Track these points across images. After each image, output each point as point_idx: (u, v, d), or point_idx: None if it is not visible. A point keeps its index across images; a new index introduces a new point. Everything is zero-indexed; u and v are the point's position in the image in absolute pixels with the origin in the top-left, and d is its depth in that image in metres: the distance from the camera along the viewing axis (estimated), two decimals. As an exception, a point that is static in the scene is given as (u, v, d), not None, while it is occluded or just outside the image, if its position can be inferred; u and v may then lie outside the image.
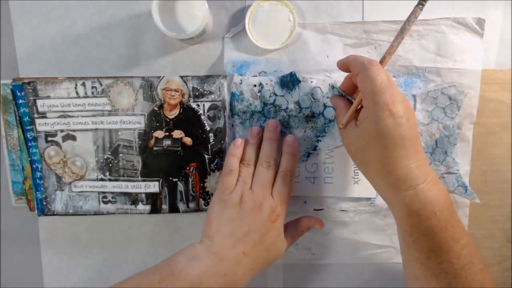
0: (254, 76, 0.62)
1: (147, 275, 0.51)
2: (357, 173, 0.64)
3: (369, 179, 0.52)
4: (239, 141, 0.59)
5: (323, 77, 0.62)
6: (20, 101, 0.60)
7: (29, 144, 0.62)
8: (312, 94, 0.62)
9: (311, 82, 0.61)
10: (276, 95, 0.62)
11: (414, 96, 0.62)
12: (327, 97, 0.61)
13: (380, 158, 0.47)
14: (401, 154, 0.46)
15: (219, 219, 0.54)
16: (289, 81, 0.61)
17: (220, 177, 0.58)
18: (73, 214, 0.64)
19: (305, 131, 0.63)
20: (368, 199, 0.64)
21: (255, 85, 0.62)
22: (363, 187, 0.64)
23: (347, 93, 0.58)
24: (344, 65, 0.54)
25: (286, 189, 0.57)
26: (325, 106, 0.62)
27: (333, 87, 0.61)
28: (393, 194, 0.48)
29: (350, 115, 0.53)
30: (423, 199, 0.46)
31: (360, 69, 0.49)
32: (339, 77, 0.61)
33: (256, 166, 0.58)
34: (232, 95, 0.62)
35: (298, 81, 0.61)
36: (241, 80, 0.61)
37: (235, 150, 0.58)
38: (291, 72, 0.61)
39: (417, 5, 0.50)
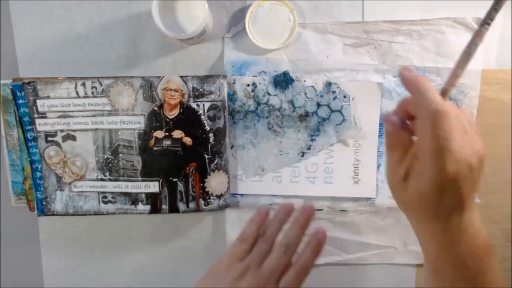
0: (254, 76, 0.62)
1: None
2: (357, 173, 0.64)
3: (410, 221, 0.47)
4: (264, 211, 0.54)
5: (323, 77, 0.62)
6: (20, 101, 0.60)
7: (29, 144, 0.62)
8: (306, 93, 0.62)
9: (305, 81, 0.61)
10: (269, 94, 0.62)
11: (413, 96, 0.62)
12: (321, 96, 0.61)
13: (431, 212, 0.43)
14: (457, 210, 0.43)
15: (215, 280, 0.51)
16: (283, 80, 0.61)
17: (234, 241, 0.53)
18: (73, 214, 0.64)
19: (299, 130, 0.63)
20: (368, 199, 0.64)
21: (248, 85, 0.62)
22: (363, 187, 0.64)
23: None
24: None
25: (297, 284, 0.51)
26: (318, 105, 0.62)
27: (329, 83, 0.61)
28: (430, 239, 0.46)
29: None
30: (461, 249, 0.44)
31: (421, 113, 0.42)
32: (339, 77, 0.61)
33: (274, 246, 0.52)
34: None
35: (292, 80, 0.61)
36: (234, 80, 0.61)
37: (257, 217, 0.54)
38: (284, 71, 0.61)
39: (482, 25, 0.42)
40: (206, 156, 0.62)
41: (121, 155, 0.62)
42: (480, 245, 0.44)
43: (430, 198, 0.42)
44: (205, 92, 0.60)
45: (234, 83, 0.61)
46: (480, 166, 0.42)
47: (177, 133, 0.61)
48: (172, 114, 0.61)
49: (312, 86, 0.61)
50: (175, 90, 0.60)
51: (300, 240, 0.54)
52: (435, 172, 0.41)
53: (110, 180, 0.63)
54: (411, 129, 0.45)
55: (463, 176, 0.41)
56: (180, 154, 0.62)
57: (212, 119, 0.61)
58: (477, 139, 0.42)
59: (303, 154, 0.63)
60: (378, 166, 0.64)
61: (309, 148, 0.63)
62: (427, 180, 0.41)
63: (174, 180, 0.63)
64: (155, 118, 0.61)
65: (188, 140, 0.62)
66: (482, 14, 0.59)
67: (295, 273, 0.51)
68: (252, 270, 0.50)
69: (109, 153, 0.62)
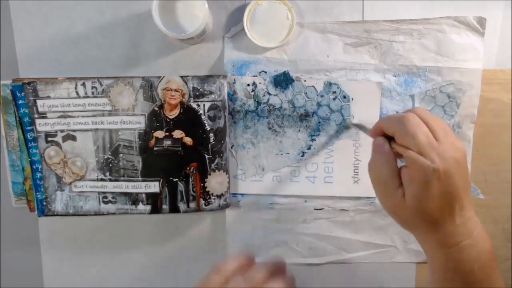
0: (254, 76, 0.62)
1: None
2: (357, 172, 0.64)
3: (411, 232, 0.48)
4: (252, 258, 0.52)
5: (323, 76, 0.62)
6: (20, 101, 0.60)
7: (29, 145, 0.62)
8: (306, 93, 0.62)
9: (305, 81, 0.61)
10: (269, 94, 0.62)
11: (412, 96, 0.62)
12: (321, 96, 0.62)
13: (427, 221, 0.44)
14: (448, 213, 0.44)
15: None
16: (283, 80, 0.61)
17: (209, 270, 0.50)
18: (73, 215, 0.64)
19: (299, 130, 0.63)
20: (369, 198, 0.64)
21: (248, 85, 0.62)
22: (363, 186, 0.64)
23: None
24: (378, 130, 0.49)
25: None
26: (318, 105, 0.62)
27: (330, 84, 0.61)
28: (433, 249, 0.46)
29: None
30: (465, 256, 0.44)
31: (397, 128, 0.45)
32: (339, 77, 0.61)
33: None
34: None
35: (292, 80, 0.61)
36: (234, 80, 0.61)
37: (242, 260, 0.51)
38: (284, 71, 0.61)
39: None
40: (206, 156, 0.62)
41: (121, 155, 0.62)
42: (486, 249, 0.45)
43: (429, 202, 0.43)
44: (206, 92, 0.60)
45: (234, 82, 0.61)
46: (465, 162, 0.45)
47: (178, 133, 0.61)
48: (173, 114, 0.61)
49: (313, 86, 0.61)
50: (176, 90, 0.60)
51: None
52: (427, 175, 0.42)
53: (110, 180, 0.63)
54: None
55: (453, 171, 0.42)
56: (181, 154, 0.62)
57: (212, 119, 0.61)
58: (457, 139, 0.45)
59: (303, 154, 0.63)
60: (378, 166, 0.64)
61: (309, 148, 0.63)
62: (421, 186, 0.43)
63: (174, 180, 0.63)
64: (156, 118, 0.61)
65: (188, 140, 0.62)
66: (482, 14, 0.60)
67: None
68: None
69: (110, 153, 0.62)
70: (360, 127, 0.58)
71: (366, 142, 0.63)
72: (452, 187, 0.42)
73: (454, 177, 0.42)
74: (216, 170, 0.63)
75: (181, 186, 0.63)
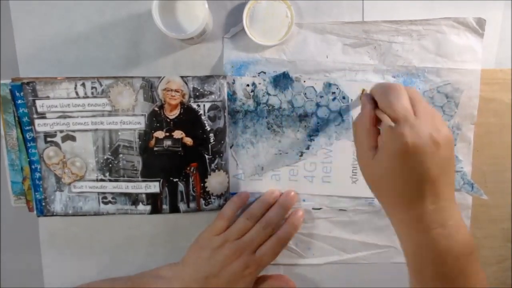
0: (253, 76, 0.62)
1: (120, 281, 0.59)
2: (356, 172, 0.64)
3: (385, 211, 0.48)
4: (244, 194, 0.63)
5: (322, 77, 0.62)
6: (19, 101, 0.60)
7: (28, 145, 0.61)
8: (305, 93, 0.62)
9: (304, 81, 0.61)
10: (269, 94, 0.62)
11: (410, 97, 0.62)
12: (321, 97, 0.62)
13: (395, 194, 0.44)
14: (417, 194, 0.43)
15: (200, 252, 0.59)
16: (282, 81, 0.61)
17: (215, 218, 0.62)
18: (72, 215, 0.63)
19: (298, 130, 0.63)
20: (367, 198, 0.64)
21: (248, 85, 0.62)
22: (361, 186, 0.64)
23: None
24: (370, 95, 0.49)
25: (272, 254, 0.60)
26: (318, 105, 0.62)
27: (329, 84, 0.61)
28: (405, 233, 0.45)
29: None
30: (435, 246, 0.43)
31: (380, 94, 0.46)
32: (338, 77, 0.61)
33: (257, 222, 0.61)
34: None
35: (291, 81, 0.61)
36: (233, 80, 0.61)
37: (236, 199, 0.62)
38: (284, 72, 0.61)
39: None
40: (206, 156, 0.62)
41: (121, 155, 0.62)
42: (462, 241, 0.43)
43: (396, 173, 0.42)
44: (206, 92, 0.60)
45: (233, 83, 0.61)
46: (449, 150, 0.43)
47: (178, 134, 0.61)
48: (173, 114, 0.61)
49: (312, 87, 0.61)
50: (176, 91, 0.60)
51: (281, 219, 0.62)
52: (396, 144, 0.42)
53: (110, 180, 0.63)
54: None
55: (426, 152, 0.41)
56: (181, 154, 0.62)
57: (212, 119, 0.61)
58: (445, 125, 0.44)
59: (301, 154, 0.63)
60: (378, 166, 0.64)
61: (308, 148, 0.63)
62: (389, 153, 0.42)
63: (174, 180, 0.63)
64: (156, 119, 0.61)
65: (188, 140, 0.62)
66: (482, 14, 0.60)
67: (272, 243, 0.59)
68: (230, 242, 0.58)
69: (109, 153, 0.62)
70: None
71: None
72: (422, 167, 0.41)
73: (426, 157, 0.41)
74: (216, 170, 0.63)
75: (181, 186, 0.63)
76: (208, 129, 0.61)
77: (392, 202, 0.45)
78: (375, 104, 0.47)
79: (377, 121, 0.47)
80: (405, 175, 0.42)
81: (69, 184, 0.63)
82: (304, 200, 0.65)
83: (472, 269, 0.44)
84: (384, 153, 0.43)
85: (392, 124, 0.42)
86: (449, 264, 0.43)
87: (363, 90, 0.60)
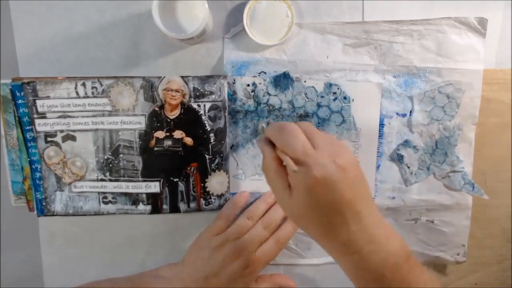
0: (254, 76, 0.62)
1: (120, 281, 0.58)
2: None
3: (317, 243, 0.47)
4: (244, 194, 0.64)
5: (322, 77, 0.62)
6: (20, 101, 0.60)
7: (29, 145, 0.61)
8: (306, 93, 0.62)
9: (305, 81, 0.61)
10: (269, 94, 0.62)
11: (411, 97, 0.62)
12: (322, 97, 0.62)
13: (319, 226, 0.44)
14: (339, 220, 0.43)
15: (200, 252, 0.59)
16: (283, 81, 0.61)
17: (215, 217, 0.62)
18: (73, 215, 0.64)
19: None
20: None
21: (248, 85, 0.62)
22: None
23: None
24: (265, 137, 0.49)
25: (271, 254, 0.60)
26: (318, 105, 0.62)
27: (330, 84, 0.61)
28: (337, 256, 0.46)
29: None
30: (370, 263, 0.43)
31: (276, 136, 0.46)
32: (339, 78, 0.61)
33: (257, 222, 0.61)
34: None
35: (292, 81, 0.61)
36: (234, 80, 0.61)
37: (236, 199, 0.63)
38: (284, 72, 0.61)
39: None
40: (207, 156, 0.62)
41: (121, 155, 0.62)
42: (393, 250, 0.44)
43: (315, 207, 0.43)
44: (206, 92, 0.60)
45: (234, 83, 0.61)
46: (356, 169, 0.44)
47: (178, 134, 0.61)
48: (173, 114, 0.61)
49: (313, 87, 0.61)
50: (176, 91, 0.60)
51: (281, 219, 0.62)
52: (305, 182, 0.42)
53: (110, 180, 0.63)
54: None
55: (335, 179, 0.41)
56: (181, 154, 0.62)
57: (212, 119, 0.61)
58: (344, 148, 0.44)
59: (302, 153, 0.63)
60: (378, 167, 0.64)
61: (308, 148, 0.63)
62: (302, 191, 0.43)
63: (175, 180, 0.63)
64: (156, 119, 0.61)
65: (189, 140, 0.62)
66: (482, 14, 0.60)
67: (272, 243, 0.60)
68: (230, 241, 0.58)
69: (110, 153, 0.62)
70: (262, 131, 0.58)
71: (366, 143, 0.63)
72: (337, 194, 0.42)
73: (337, 184, 0.41)
74: (217, 170, 0.63)
75: (181, 186, 0.63)
76: (209, 129, 0.61)
77: (320, 233, 0.45)
78: (273, 146, 0.47)
79: (281, 161, 0.46)
80: (323, 207, 0.42)
81: (70, 184, 0.63)
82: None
83: (415, 273, 0.45)
84: (298, 192, 0.43)
85: (295, 168, 0.42)
86: (388, 277, 0.43)
87: (260, 123, 0.60)
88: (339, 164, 0.42)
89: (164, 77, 0.60)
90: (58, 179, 0.63)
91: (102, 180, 0.63)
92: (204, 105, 0.61)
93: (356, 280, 0.46)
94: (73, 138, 0.62)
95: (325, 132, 0.62)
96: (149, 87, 0.60)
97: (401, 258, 0.44)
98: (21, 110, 0.60)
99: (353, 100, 0.62)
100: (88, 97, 0.60)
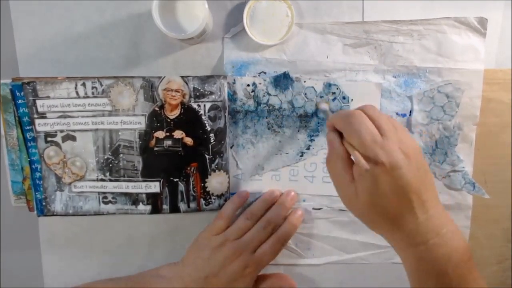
0: (253, 76, 0.62)
1: (121, 281, 0.59)
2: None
3: (381, 235, 0.47)
4: (244, 193, 0.63)
5: (322, 77, 0.62)
6: (20, 101, 0.60)
7: (28, 144, 0.61)
8: (306, 93, 0.62)
9: (304, 81, 0.61)
10: (269, 94, 0.62)
11: (410, 97, 0.62)
12: (321, 97, 0.62)
13: (386, 217, 0.44)
14: (406, 209, 0.43)
15: (199, 251, 0.59)
16: (283, 81, 0.61)
17: (215, 217, 0.62)
18: (73, 215, 0.64)
19: (298, 130, 0.63)
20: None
21: (248, 85, 0.62)
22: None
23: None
24: (331, 126, 0.49)
25: (271, 253, 0.60)
26: (318, 105, 0.62)
27: (329, 85, 0.61)
28: (401, 248, 0.45)
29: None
30: (434, 256, 0.43)
31: (343, 124, 0.46)
32: (338, 78, 0.61)
33: (257, 222, 0.61)
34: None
35: (292, 81, 0.61)
36: (234, 80, 0.61)
37: (236, 198, 0.63)
38: (284, 72, 0.61)
39: None
40: (207, 156, 0.62)
41: (121, 155, 0.62)
42: (459, 248, 0.43)
43: (383, 196, 0.43)
44: (206, 92, 0.60)
45: (234, 83, 0.61)
46: (419, 157, 0.44)
47: (178, 134, 0.61)
48: (173, 114, 0.61)
49: (312, 87, 0.61)
50: (176, 91, 0.60)
51: (281, 219, 0.62)
52: (371, 166, 0.42)
53: (110, 180, 0.63)
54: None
55: (402, 166, 0.42)
56: (181, 155, 0.62)
57: (212, 119, 0.61)
58: (408, 135, 0.45)
59: (302, 154, 0.63)
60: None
61: (308, 148, 0.63)
62: (368, 177, 0.43)
63: (175, 180, 0.63)
64: (156, 119, 0.61)
65: (189, 141, 0.62)
66: (482, 14, 0.60)
67: (271, 243, 0.60)
68: (229, 241, 0.59)
69: (110, 153, 0.62)
70: (325, 114, 0.58)
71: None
72: (403, 181, 0.42)
73: (403, 170, 0.42)
74: (217, 170, 0.63)
75: (181, 186, 0.63)
76: (209, 129, 0.61)
77: (386, 224, 0.45)
78: (341, 136, 0.47)
79: (349, 154, 0.46)
80: (391, 195, 0.42)
81: (70, 184, 0.63)
82: (304, 200, 0.65)
83: (473, 275, 0.44)
84: (364, 183, 0.43)
85: (367, 166, 0.42)
86: (450, 274, 0.43)
87: (319, 104, 0.60)
88: (405, 151, 0.42)
89: (164, 77, 0.60)
90: (58, 179, 0.63)
91: (102, 180, 0.63)
92: (204, 105, 0.61)
93: (417, 274, 0.45)
94: (73, 138, 0.62)
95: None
96: (149, 87, 0.60)
97: (465, 257, 0.44)
98: (21, 110, 0.60)
99: (352, 100, 0.62)
100: (88, 97, 0.60)
